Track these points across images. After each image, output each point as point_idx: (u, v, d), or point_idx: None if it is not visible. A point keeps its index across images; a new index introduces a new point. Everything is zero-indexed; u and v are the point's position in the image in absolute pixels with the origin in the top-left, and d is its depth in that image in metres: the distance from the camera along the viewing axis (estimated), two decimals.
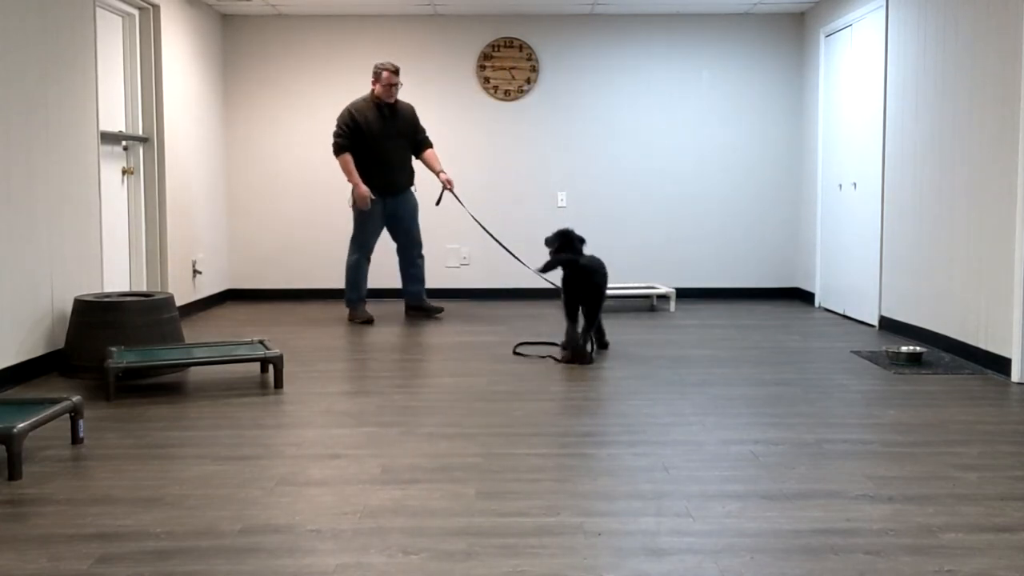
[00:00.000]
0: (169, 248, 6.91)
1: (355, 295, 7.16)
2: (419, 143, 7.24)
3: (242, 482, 3.27)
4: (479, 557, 2.60)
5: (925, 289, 6.00)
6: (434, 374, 5.16)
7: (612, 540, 2.72)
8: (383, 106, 7.01)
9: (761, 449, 3.66)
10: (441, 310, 7.39)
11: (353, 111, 6.97)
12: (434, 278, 8.53)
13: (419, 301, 7.35)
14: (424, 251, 7.43)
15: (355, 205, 7.03)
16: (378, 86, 6.97)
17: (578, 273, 5.46)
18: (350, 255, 7.16)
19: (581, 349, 5.43)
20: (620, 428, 3.98)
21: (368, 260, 7.19)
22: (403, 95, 8.44)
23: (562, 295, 5.53)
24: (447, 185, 7.19)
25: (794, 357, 5.64)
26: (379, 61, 7.20)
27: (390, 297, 8.54)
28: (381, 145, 6.98)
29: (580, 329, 5.47)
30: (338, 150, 6.97)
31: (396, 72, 6.98)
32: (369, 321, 7.10)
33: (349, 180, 6.99)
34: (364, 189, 6.93)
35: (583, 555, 2.62)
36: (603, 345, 5.87)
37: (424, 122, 8.43)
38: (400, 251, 7.28)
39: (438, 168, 7.25)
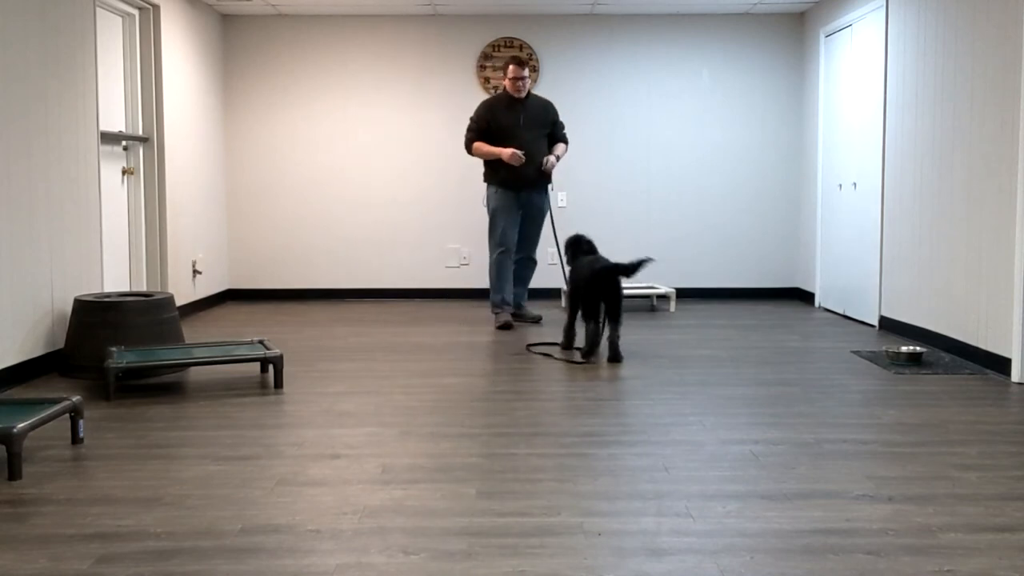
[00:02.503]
0: (169, 248, 6.91)
1: (497, 297, 6.88)
2: (552, 137, 6.97)
3: (242, 482, 3.27)
4: (479, 557, 2.60)
5: (925, 289, 6.00)
6: (434, 374, 5.16)
7: (612, 540, 2.72)
8: (515, 99, 6.82)
9: (761, 449, 3.66)
10: (540, 318, 7.08)
11: (482, 106, 6.86)
12: (434, 278, 8.54)
13: (518, 306, 7.08)
14: (536, 255, 7.09)
15: (488, 205, 6.87)
16: (507, 81, 6.80)
17: (602, 274, 5.46)
18: (490, 253, 6.93)
19: (612, 346, 5.51)
20: (620, 428, 3.98)
21: (510, 257, 6.88)
22: (402, 95, 8.46)
23: (582, 295, 5.53)
24: (544, 164, 6.78)
25: (794, 357, 5.64)
26: (514, 54, 7.09)
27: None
28: (511, 138, 6.73)
29: (597, 328, 5.53)
30: (467, 143, 6.85)
31: (521, 65, 6.73)
32: (508, 326, 6.72)
33: (492, 156, 6.72)
34: (508, 150, 6.64)
35: (583, 555, 2.62)
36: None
37: (423, 122, 8.46)
38: (515, 250, 7.00)
39: (553, 153, 6.88)
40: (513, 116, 6.78)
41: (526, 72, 6.77)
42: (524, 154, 6.69)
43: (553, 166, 6.82)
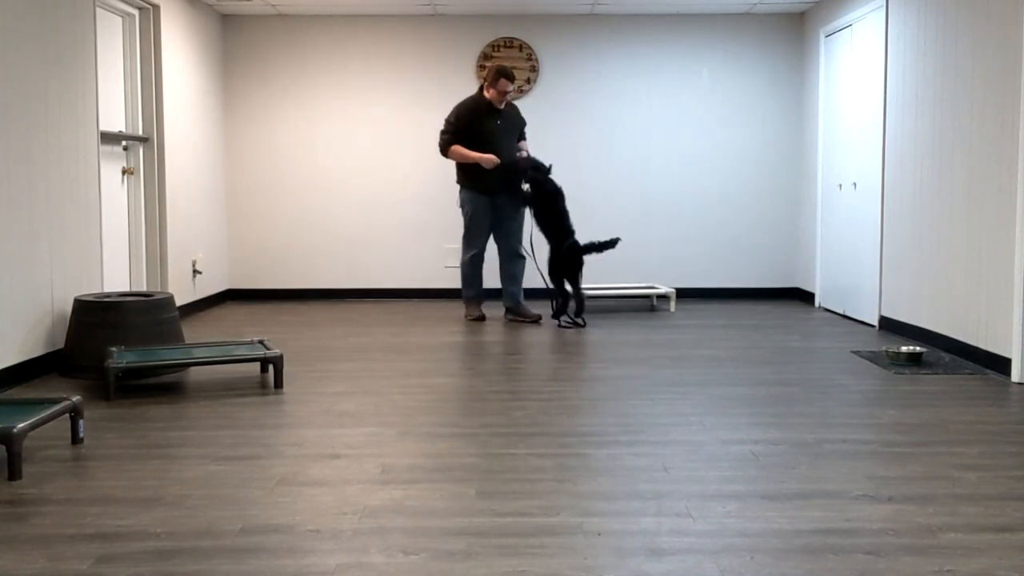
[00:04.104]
0: (169, 248, 6.91)
1: (469, 292, 7.20)
2: (520, 139, 7.28)
3: (242, 482, 3.27)
4: (479, 557, 2.60)
5: (925, 289, 6.00)
6: (433, 374, 5.16)
7: (612, 540, 2.72)
8: (493, 106, 7.01)
9: (761, 449, 3.66)
10: (539, 318, 7.14)
11: (462, 110, 6.99)
12: (434, 278, 8.54)
13: (515, 304, 7.18)
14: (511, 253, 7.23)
15: (463, 208, 7.08)
16: (492, 91, 6.95)
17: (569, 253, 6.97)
18: (463, 254, 7.16)
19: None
20: (620, 428, 3.98)
21: (481, 257, 7.14)
22: (402, 95, 8.46)
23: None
24: (519, 156, 7.08)
25: (794, 357, 5.64)
26: (499, 64, 7.32)
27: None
28: (490, 143, 6.94)
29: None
30: (445, 145, 6.99)
31: (512, 80, 6.98)
32: (480, 319, 7.11)
33: (469, 161, 6.91)
34: (487, 156, 6.86)
35: (583, 555, 2.62)
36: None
37: (423, 122, 8.46)
38: (499, 250, 7.20)
39: (523, 149, 7.20)
40: (492, 122, 6.99)
41: (512, 87, 7.06)
42: (498, 159, 6.92)
43: (526, 155, 7.10)
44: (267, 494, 3.14)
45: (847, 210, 7.37)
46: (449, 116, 7.04)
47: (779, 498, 3.08)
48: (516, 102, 8.40)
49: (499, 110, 7.02)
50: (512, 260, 7.15)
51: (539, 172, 6.93)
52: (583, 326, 6.82)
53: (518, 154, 7.10)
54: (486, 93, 6.99)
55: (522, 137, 7.30)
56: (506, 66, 7.06)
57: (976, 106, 5.33)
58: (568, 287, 6.93)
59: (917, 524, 2.85)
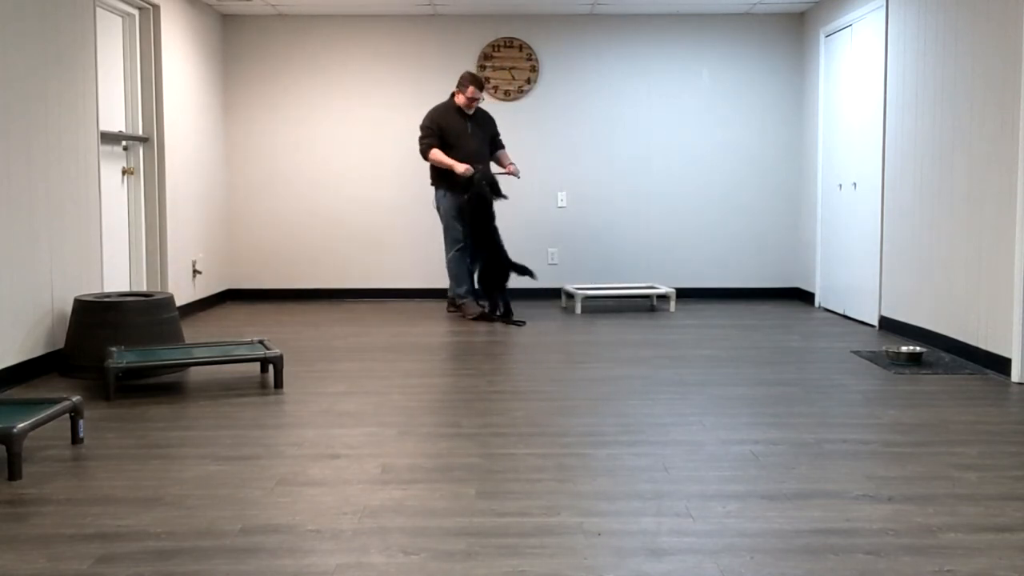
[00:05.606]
0: (169, 248, 6.91)
1: (461, 289, 7.35)
2: (494, 145, 7.52)
3: (242, 482, 3.27)
4: (479, 557, 2.60)
5: (925, 289, 6.00)
6: (433, 374, 5.17)
7: (612, 540, 2.72)
8: (463, 112, 7.27)
9: (761, 449, 3.66)
10: (458, 309, 7.47)
11: (436, 116, 7.23)
12: (434, 278, 8.53)
13: (456, 298, 7.50)
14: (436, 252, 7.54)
15: (440, 208, 7.32)
16: (462, 97, 7.20)
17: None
18: (446, 252, 7.38)
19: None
20: (620, 428, 3.98)
21: (466, 253, 7.32)
22: (402, 95, 8.46)
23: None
24: (511, 172, 7.43)
25: (794, 357, 5.64)
26: (470, 71, 7.56)
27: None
28: (463, 148, 7.18)
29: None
30: (426, 149, 7.20)
31: (481, 88, 7.23)
32: (480, 317, 7.21)
33: (445, 166, 7.13)
34: (461, 166, 7.07)
35: (583, 555, 2.62)
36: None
37: None
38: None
39: (507, 162, 7.50)
40: (463, 125, 7.25)
41: (481, 95, 7.26)
42: (472, 161, 7.15)
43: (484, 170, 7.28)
44: (267, 494, 3.14)
45: (847, 210, 7.37)
46: (424, 122, 7.27)
47: (779, 498, 3.09)
48: (519, 101, 8.45)
49: (470, 114, 7.28)
50: (472, 260, 7.43)
51: (491, 187, 7.12)
52: (523, 323, 7.02)
53: (511, 169, 7.37)
54: (457, 99, 7.24)
55: (499, 144, 7.52)
56: (478, 75, 7.36)
57: (976, 106, 5.33)
58: (496, 293, 7.18)
59: (917, 524, 2.85)
